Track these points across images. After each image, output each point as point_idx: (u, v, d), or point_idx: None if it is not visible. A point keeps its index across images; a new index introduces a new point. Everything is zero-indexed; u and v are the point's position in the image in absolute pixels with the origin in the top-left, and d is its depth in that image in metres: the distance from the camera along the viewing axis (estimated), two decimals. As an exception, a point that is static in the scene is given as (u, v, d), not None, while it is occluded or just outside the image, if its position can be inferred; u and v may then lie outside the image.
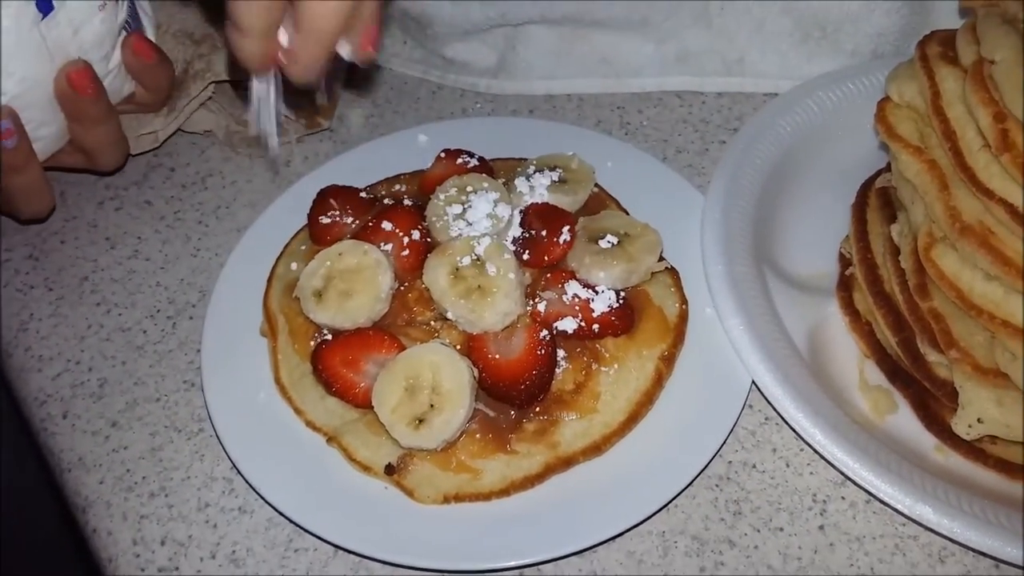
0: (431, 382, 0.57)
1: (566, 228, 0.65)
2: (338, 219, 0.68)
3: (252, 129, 0.63)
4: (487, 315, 0.60)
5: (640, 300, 0.64)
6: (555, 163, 0.71)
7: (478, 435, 0.58)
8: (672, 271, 0.66)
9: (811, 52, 0.81)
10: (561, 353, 0.61)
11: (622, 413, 0.60)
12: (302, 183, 0.75)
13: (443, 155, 0.72)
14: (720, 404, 0.60)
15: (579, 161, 0.71)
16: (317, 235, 0.68)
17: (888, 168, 0.67)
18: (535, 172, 0.69)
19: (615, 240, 0.64)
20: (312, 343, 0.63)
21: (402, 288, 0.64)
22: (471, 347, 0.60)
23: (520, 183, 0.69)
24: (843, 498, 0.60)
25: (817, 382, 0.61)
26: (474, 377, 0.58)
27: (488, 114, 0.85)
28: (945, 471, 0.59)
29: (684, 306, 0.65)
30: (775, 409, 0.60)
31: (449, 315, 0.61)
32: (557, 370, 0.60)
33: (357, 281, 0.62)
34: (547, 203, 0.68)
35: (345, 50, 0.55)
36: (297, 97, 0.70)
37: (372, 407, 0.58)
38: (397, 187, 0.73)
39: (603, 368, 0.61)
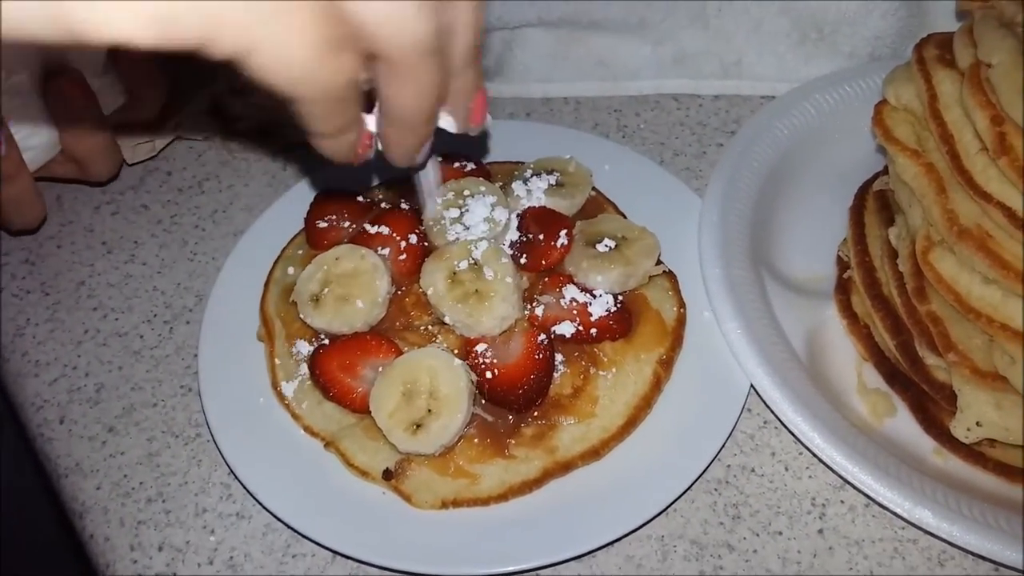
0: (428, 387, 0.57)
1: (563, 232, 0.65)
2: (335, 223, 0.68)
3: (420, 200, 0.61)
4: (485, 319, 0.60)
5: (638, 304, 0.64)
6: (552, 166, 0.71)
7: (476, 440, 0.58)
8: (670, 275, 0.66)
9: (808, 54, 0.81)
10: (559, 357, 0.61)
11: (620, 417, 0.60)
12: (299, 187, 0.75)
13: (440, 159, 0.72)
14: (718, 408, 0.60)
15: (576, 164, 0.71)
16: (314, 239, 0.68)
17: (886, 171, 0.67)
18: (532, 176, 0.69)
19: (612, 244, 0.64)
20: (310, 347, 0.63)
21: (399, 292, 0.64)
22: (468, 351, 0.60)
23: (517, 187, 0.68)
24: (842, 502, 0.59)
25: (815, 385, 0.61)
26: (472, 382, 0.58)
27: (485, 117, 0.85)
28: (944, 474, 0.59)
29: (682, 310, 0.65)
30: (773, 413, 0.60)
31: (446, 319, 0.61)
32: (555, 374, 0.60)
33: (354, 286, 0.62)
34: (544, 207, 0.68)
35: (449, 124, 0.49)
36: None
37: (370, 412, 0.58)
38: (394, 191, 0.73)
39: (601, 372, 0.61)
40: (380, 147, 0.49)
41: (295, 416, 0.62)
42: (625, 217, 0.70)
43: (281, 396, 0.63)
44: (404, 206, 0.69)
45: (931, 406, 0.61)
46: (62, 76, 0.63)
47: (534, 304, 0.62)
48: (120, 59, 0.67)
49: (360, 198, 0.70)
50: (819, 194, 0.73)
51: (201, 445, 0.64)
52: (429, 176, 0.60)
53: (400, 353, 0.60)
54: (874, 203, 0.68)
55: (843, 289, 0.67)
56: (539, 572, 0.56)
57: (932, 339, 0.58)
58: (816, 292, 0.68)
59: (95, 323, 0.72)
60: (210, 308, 0.68)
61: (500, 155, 0.75)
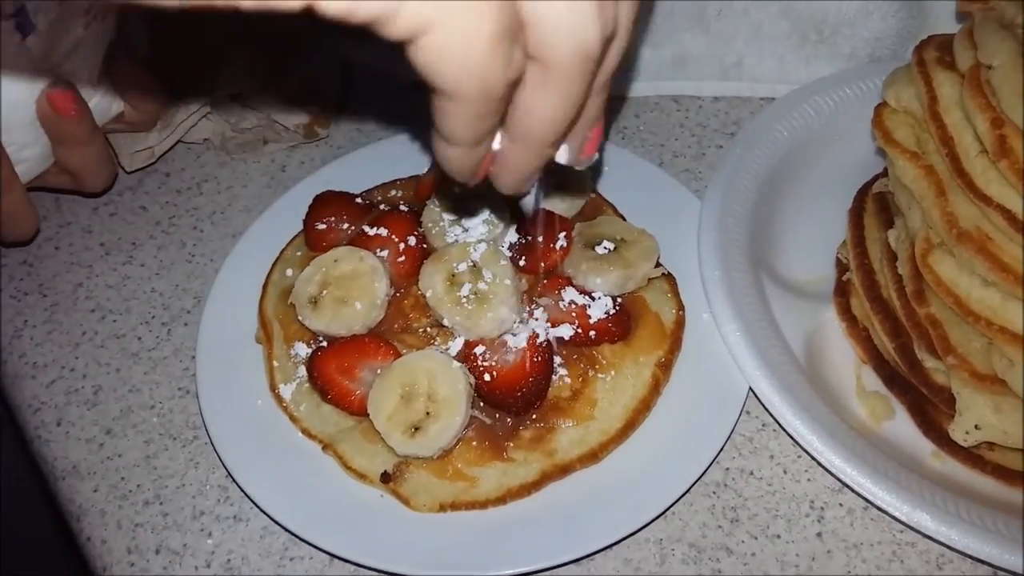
0: (427, 389, 0.57)
1: (562, 234, 0.65)
2: (334, 225, 0.68)
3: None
4: (483, 322, 0.59)
5: (637, 306, 0.64)
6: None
7: (474, 443, 0.58)
8: (669, 277, 0.66)
9: (808, 56, 0.81)
10: (558, 360, 0.61)
11: (619, 420, 0.60)
12: (298, 189, 0.75)
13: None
14: (717, 410, 0.60)
15: (575, 166, 0.70)
16: (313, 241, 0.68)
17: (885, 173, 0.67)
18: (531, 177, 0.69)
19: (611, 246, 0.64)
20: (308, 350, 0.63)
21: (398, 295, 0.64)
22: (467, 354, 0.60)
23: (516, 188, 0.68)
24: (841, 505, 0.59)
25: (814, 388, 0.61)
26: (470, 384, 0.58)
27: (484, 118, 0.85)
28: (943, 477, 0.58)
29: (681, 312, 0.65)
30: (772, 415, 0.60)
31: (445, 322, 0.61)
32: (554, 377, 0.60)
33: (353, 288, 0.62)
34: (543, 209, 0.68)
35: (563, 155, 0.45)
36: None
37: (368, 415, 0.57)
38: (393, 193, 0.73)
39: (600, 375, 0.61)
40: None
41: (293, 418, 0.62)
42: (624, 219, 0.70)
43: (279, 398, 0.62)
44: (403, 208, 0.69)
45: (930, 409, 0.61)
46: (52, 87, 0.62)
47: (533, 306, 0.62)
48: (114, 67, 0.66)
49: (359, 200, 0.70)
50: (818, 196, 0.72)
51: (199, 447, 0.64)
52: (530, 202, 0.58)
53: (398, 355, 0.60)
54: (873, 205, 0.68)
55: (842, 291, 0.67)
56: (537, 575, 0.56)
57: (931, 342, 0.58)
58: (815, 294, 0.68)
59: (93, 325, 0.72)
60: (208, 310, 0.68)
61: (499, 157, 0.75)
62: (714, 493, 0.60)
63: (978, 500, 0.56)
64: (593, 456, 0.58)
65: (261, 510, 0.58)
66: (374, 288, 0.62)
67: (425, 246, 0.65)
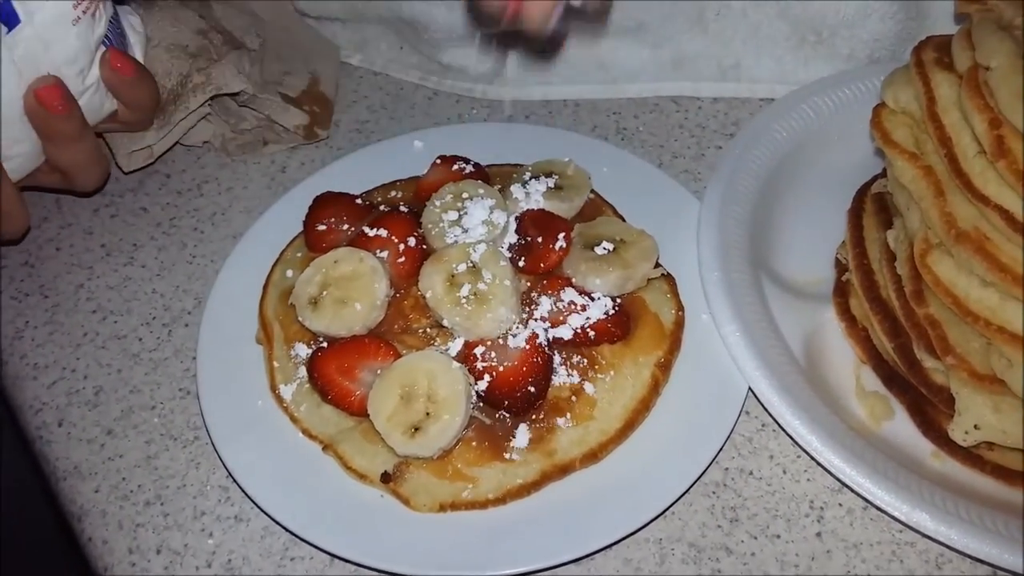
0: (427, 390, 0.57)
1: (562, 235, 0.65)
2: (334, 226, 0.68)
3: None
4: (483, 322, 0.60)
5: (636, 307, 0.64)
6: (551, 169, 0.71)
7: (474, 443, 0.58)
8: (668, 277, 0.66)
9: (807, 57, 0.81)
10: (557, 360, 0.61)
11: (618, 420, 0.60)
12: (298, 190, 0.75)
13: (439, 161, 0.72)
14: (717, 411, 0.60)
15: (575, 167, 0.71)
16: (313, 242, 0.68)
17: (884, 174, 0.67)
18: (531, 178, 0.69)
19: (611, 247, 0.64)
20: (308, 350, 0.63)
21: (398, 295, 0.64)
22: (467, 354, 0.60)
23: (516, 189, 0.68)
24: (840, 505, 0.59)
25: (813, 388, 0.61)
26: (470, 385, 0.58)
27: (484, 120, 0.85)
28: (942, 477, 0.59)
29: (680, 313, 0.65)
30: (772, 416, 0.60)
31: (445, 322, 0.61)
32: (553, 377, 0.60)
33: (353, 288, 0.62)
34: (543, 209, 0.68)
35: None
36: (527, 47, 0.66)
37: (368, 415, 0.58)
38: (393, 194, 0.73)
39: (599, 375, 0.61)
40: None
41: (293, 419, 0.62)
42: (623, 220, 0.70)
43: (280, 399, 0.63)
44: (403, 209, 0.69)
45: (929, 409, 0.61)
46: (39, 83, 0.61)
47: (532, 307, 0.62)
48: (106, 62, 0.65)
49: (359, 201, 0.70)
50: (818, 197, 0.73)
51: (199, 448, 0.64)
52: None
53: (398, 356, 0.60)
54: (872, 206, 0.68)
55: (841, 292, 0.67)
56: (537, 575, 0.56)
57: (930, 342, 0.58)
58: (814, 295, 0.68)
59: (94, 326, 0.72)
60: (209, 311, 0.68)
61: (499, 157, 0.75)
62: (714, 493, 0.60)
63: (977, 500, 0.56)
64: (593, 456, 0.59)
65: (262, 510, 0.58)
66: (374, 289, 0.62)
67: (425, 247, 0.65)
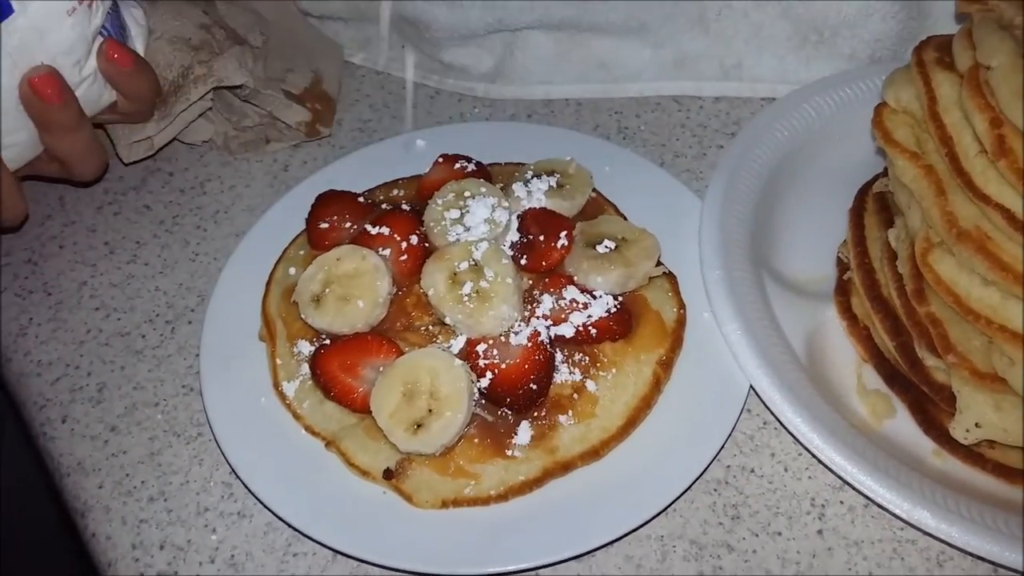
0: (429, 387, 0.57)
1: (564, 233, 0.65)
2: (336, 224, 0.68)
3: None
4: (485, 320, 0.60)
5: (638, 305, 0.64)
6: (553, 168, 0.71)
7: (476, 440, 0.59)
8: (670, 276, 0.67)
9: (809, 56, 0.81)
10: (559, 358, 0.61)
11: (620, 418, 0.60)
12: (300, 188, 0.75)
13: (441, 160, 0.72)
14: (718, 409, 0.61)
15: (577, 166, 0.71)
16: (315, 240, 0.68)
17: (885, 173, 0.67)
18: (533, 177, 0.70)
19: (613, 245, 0.64)
20: (311, 348, 0.63)
21: (400, 293, 0.64)
22: (469, 352, 0.60)
23: (518, 188, 0.69)
24: (841, 502, 0.60)
25: (815, 386, 0.61)
26: (472, 382, 0.58)
27: (486, 119, 0.85)
28: (943, 475, 0.59)
29: (682, 311, 0.65)
30: (773, 414, 0.60)
31: (447, 320, 0.61)
32: (555, 375, 0.60)
33: (355, 286, 0.62)
34: (545, 208, 0.68)
35: None
36: None
37: (370, 412, 0.58)
38: (395, 192, 0.73)
39: (601, 373, 0.61)
40: None
41: (296, 416, 0.62)
42: (625, 218, 0.70)
43: (282, 396, 0.63)
44: (405, 207, 0.69)
45: (930, 407, 0.61)
46: (33, 72, 0.61)
47: (534, 305, 0.62)
48: (103, 53, 0.65)
49: (361, 199, 0.70)
50: (819, 196, 0.73)
51: (203, 444, 0.64)
52: None
53: (401, 353, 0.60)
54: (874, 205, 0.68)
55: (843, 290, 0.68)
56: (539, 572, 0.56)
57: (931, 340, 0.58)
58: (816, 293, 0.68)
59: (97, 323, 0.72)
60: (212, 308, 0.68)
61: (501, 156, 0.75)
62: (715, 490, 0.60)
63: (978, 498, 0.56)
64: (594, 453, 0.59)
65: (265, 506, 0.59)
66: (376, 286, 0.62)
67: (427, 245, 0.66)
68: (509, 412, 0.59)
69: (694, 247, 0.68)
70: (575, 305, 0.62)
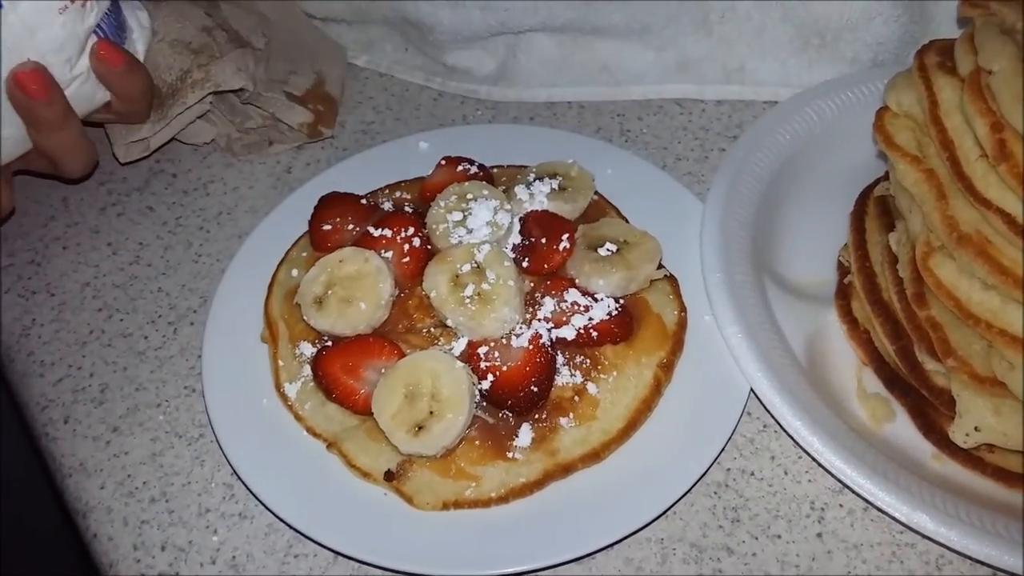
0: (430, 389, 0.58)
1: (565, 236, 0.65)
2: (339, 226, 0.69)
3: None
4: (487, 322, 0.60)
5: (639, 308, 0.64)
6: (555, 170, 0.71)
7: (477, 442, 0.59)
8: (671, 279, 0.67)
9: (811, 60, 0.81)
10: (560, 360, 0.61)
11: (621, 420, 0.60)
12: (303, 190, 0.75)
13: (443, 162, 0.73)
14: (718, 412, 0.61)
15: (579, 169, 0.71)
16: (318, 242, 0.69)
17: (887, 176, 0.67)
18: (535, 179, 0.70)
19: (614, 248, 0.65)
20: (313, 349, 0.63)
21: (402, 295, 0.64)
22: (471, 354, 0.60)
23: (520, 190, 0.69)
24: (841, 506, 0.60)
25: (815, 390, 0.61)
26: (473, 384, 0.58)
27: (489, 121, 0.85)
28: (943, 479, 0.59)
29: (683, 314, 0.65)
30: (773, 417, 0.60)
31: (449, 322, 0.61)
32: (556, 377, 0.60)
33: (358, 288, 0.62)
34: (547, 211, 0.68)
35: None
36: None
37: (372, 414, 0.58)
38: (398, 194, 0.73)
39: (602, 375, 0.61)
40: None
41: (298, 417, 0.62)
42: (627, 221, 0.70)
43: (284, 397, 0.63)
44: (408, 209, 0.69)
45: (930, 411, 0.61)
46: (19, 68, 0.61)
47: (536, 307, 0.62)
48: (94, 52, 0.65)
49: (364, 201, 0.70)
50: (820, 199, 0.73)
51: (204, 446, 0.65)
52: None
53: (403, 355, 0.60)
54: (875, 208, 0.68)
55: (844, 294, 0.68)
56: (539, 574, 0.57)
57: (931, 344, 0.58)
58: (817, 297, 0.68)
59: (100, 324, 0.72)
60: (214, 310, 0.68)
61: (503, 159, 0.75)
62: (715, 493, 0.60)
63: (978, 502, 0.56)
64: (595, 456, 0.59)
65: (266, 508, 0.59)
66: (379, 288, 0.62)
67: (429, 247, 0.66)
68: (510, 414, 0.59)
69: (695, 250, 0.68)
70: (576, 308, 0.62)
